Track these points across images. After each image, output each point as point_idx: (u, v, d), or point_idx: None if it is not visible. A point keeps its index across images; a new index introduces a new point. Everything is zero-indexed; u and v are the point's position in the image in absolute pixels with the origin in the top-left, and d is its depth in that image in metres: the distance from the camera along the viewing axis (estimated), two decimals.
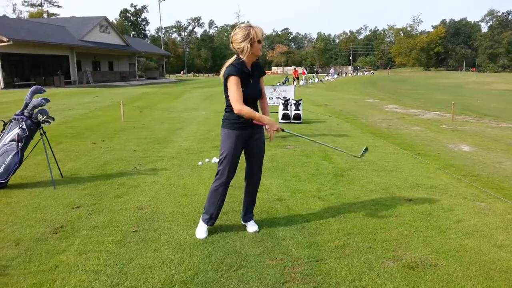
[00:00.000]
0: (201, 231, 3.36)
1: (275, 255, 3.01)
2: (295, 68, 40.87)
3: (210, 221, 3.39)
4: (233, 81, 3.05)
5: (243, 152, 3.35)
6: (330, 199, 4.28)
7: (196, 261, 2.91)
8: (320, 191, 4.53)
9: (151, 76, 54.37)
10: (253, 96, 3.21)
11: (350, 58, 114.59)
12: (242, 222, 3.53)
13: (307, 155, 6.41)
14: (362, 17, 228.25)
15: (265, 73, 3.38)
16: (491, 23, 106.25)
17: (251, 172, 3.41)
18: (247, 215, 3.51)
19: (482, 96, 26.72)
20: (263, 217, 3.74)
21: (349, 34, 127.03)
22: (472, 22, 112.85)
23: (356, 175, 5.24)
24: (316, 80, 42.59)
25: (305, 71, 43.05)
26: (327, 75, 52.23)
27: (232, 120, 3.18)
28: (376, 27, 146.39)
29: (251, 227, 3.46)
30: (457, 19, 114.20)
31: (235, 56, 3.16)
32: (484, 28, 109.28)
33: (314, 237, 3.31)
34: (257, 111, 3.27)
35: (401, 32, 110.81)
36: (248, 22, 3.23)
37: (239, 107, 3.03)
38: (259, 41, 3.10)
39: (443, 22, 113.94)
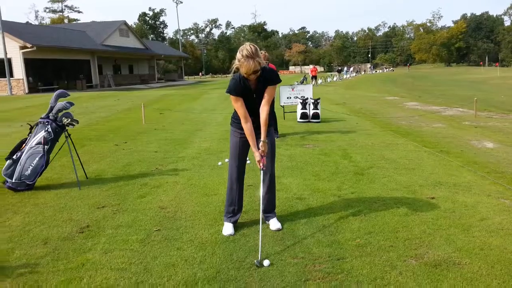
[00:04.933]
0: (226, 228, 3.44)
1: (296, 253, 3.03)
2: (314, 66, 40.06)
3: (232, 217, 3.49)
4: (233, 100, 3.25)
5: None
6: (350, 197, 4.26)
7: (218, 259, 2.95)
8: (341, 190, 4.52)
9: (170, 78, 55.00)
10: (253, 109, 3.29)
11: (369, 55, 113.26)
12: (266, 222, 3.56)
13: (327, 154, 6.40)
14: (380, 14, 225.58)
15: (276, 81, 3.32)
16: None
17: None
18: (267, 214, 3.54)
19: (506, 92, 26.02)
20: (283, 216, 3.75)
21: (367, 31, 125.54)
22: (494, 16, 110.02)
23: (376, 173, 5.20)
24: (335, 78, 42.22)
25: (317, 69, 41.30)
26: (345, 73, 51.64)
27: (237, 119, 3.36)
28: (395, 23, 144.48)
29: (274, 224, 3.49)
30: (478, 13, 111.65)
31: None
32: (507, 22, 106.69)
33: (335, 236, 3.31)
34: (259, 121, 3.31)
35: (420, 28, 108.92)
36: (250, 49, 3.07)
37: (242, 122, 3.25)
38: (246, 74, 3.10)
39: (463, 16, 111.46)
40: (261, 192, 3.45)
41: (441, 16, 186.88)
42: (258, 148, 3.27)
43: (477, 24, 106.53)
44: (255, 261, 2.87)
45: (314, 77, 32.18)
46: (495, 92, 25.66)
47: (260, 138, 3.30)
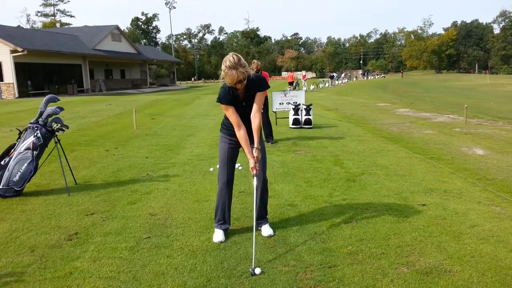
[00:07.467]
0: (216, 234, 3.43)
1: (287, 261, 3.00)
2: (289, 73, 39.34)
3: (223, 225, 3.47)
4: (223, 108, 3.31)
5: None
6: (342, 204, 4.26)
7: (209, 268, 2.92)
8: (332, 197, 4.52)
9: (162, 83, 54.82)
10: (244, 117, 3.31)
11: (361, 62, 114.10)
12: (258, 228, 3.53)
13: (318, 160, 6.40)
14: (372, 21, 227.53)
15: (263, 88, 3.33)
16: (504, 24, 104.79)
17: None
18: (259, 221, 3.52)
19: (495, 99, 26.36)
20: (275, 223, 3.73)
21: (359, 38, 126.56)
22: (484, 24, 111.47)
23: (368, 180, 5.20)
24: (327, 84, 42.46)
25: (305, 75, 41.91)
26: (336, 79, 51.66)
27: (227, 126, 3.43)
28: (386, 30, 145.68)
29: (265, 230, 3.49)
30: (468, 20, 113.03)
31: None
32: (497, 30, 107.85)
33: (327, 243, 3.29)
34: (250, 128, 3.32)
35: (411, 35, 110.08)
36: (233, 59, 3.12)
37: (236, 130, 3.28)
38: (232, 83, 3.15)
39: (454, 24, 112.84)
40: (255, 199, 3.44)
41: (432, 24, 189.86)
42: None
43: (467, 31, 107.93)
44: (250, 269, 2.84)
45: (290, 83, 30.11)
46: (485, 99, 25.98)
47: (253, 144, 3.30)
